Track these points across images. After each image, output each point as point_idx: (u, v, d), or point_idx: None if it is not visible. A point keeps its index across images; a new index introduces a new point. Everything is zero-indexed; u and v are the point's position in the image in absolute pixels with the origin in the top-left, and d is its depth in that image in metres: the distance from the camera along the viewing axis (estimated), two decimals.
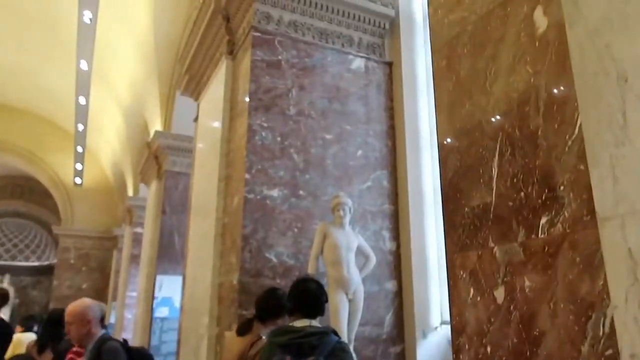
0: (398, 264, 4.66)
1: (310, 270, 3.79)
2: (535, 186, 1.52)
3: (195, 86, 6.51)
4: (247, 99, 4.47)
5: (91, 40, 8.68)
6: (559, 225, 1.46)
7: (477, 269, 1.75)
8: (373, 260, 4.04)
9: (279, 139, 4.47)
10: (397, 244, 4.72)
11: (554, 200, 1.48)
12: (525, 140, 1.57)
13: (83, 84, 10.35)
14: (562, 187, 1.46)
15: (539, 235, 1.53)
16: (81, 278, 17.13)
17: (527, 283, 1.52)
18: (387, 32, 5.35)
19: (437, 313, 4.45)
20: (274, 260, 4.16)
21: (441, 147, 2.02)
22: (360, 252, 4.01)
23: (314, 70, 4.84)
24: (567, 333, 1.41)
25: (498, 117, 1.69)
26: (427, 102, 5.04)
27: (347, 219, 3.91)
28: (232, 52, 5.25)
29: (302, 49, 4.84)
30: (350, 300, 3.75)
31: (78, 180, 16.43)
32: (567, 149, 1.46)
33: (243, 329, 3.17)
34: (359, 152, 4.81)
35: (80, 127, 12.65)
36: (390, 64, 5.28)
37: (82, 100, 11.13)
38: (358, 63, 5.12)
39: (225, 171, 4.86)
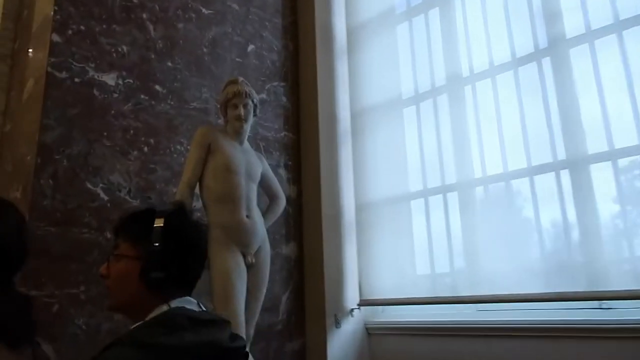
0: (299, 218, 3.13)
1: None
2: None
3: None
4: None
5: None
6: None
7: None
8: (283, 201, 2.44)
9: None
10: (299, 189, 3.18)
11: None
12: None
13: None
14: None
15: None
16: None
17: None
18: None
19: (354, 290, 3.04)
20: (102, 196, 2.27)
21: None
22: (263, 186, 2.38)
23: None
24: None
25: None
26: None
27: (248, 125, 2.24)
28: None
29: None
30: (249, 266, 2.09)
31: None
32: None
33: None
34: (250, 47, 3.13)
35: None
36: None
37: None
38: None
39: (13, 44, 2.72)
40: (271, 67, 3.22)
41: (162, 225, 1.15)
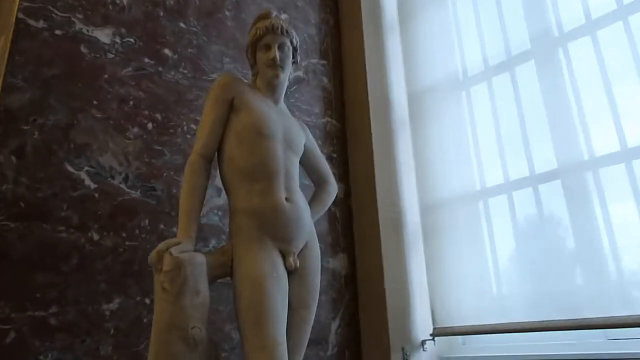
0: (349, 224, 2.46)
1: (188, 193, 1.40)
2: None
3: None
4: None
5: None
6: None
7: None
8: (333, 187, 1.78)
9: None
10: (346, 188, 2.53)
11: None
12: None
13: None
14: None
15: None
16: None
17: None
18: None
19: (425, 316, 2.32)
20: (88, 182, 1.66)
21: None
22: (306, 166, 1.73)
23: None
24: None
25: None
26: None
27: (286, 75, 1.61)
28: None
29: None
30: (291, 273, 1.42)
31: None
32: None
33: None
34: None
35: None
36: None
37: None
38: None
39: None
40: (308, 41, 2.64)
41: None
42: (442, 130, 2.56)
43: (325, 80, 2.64)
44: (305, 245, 1.47)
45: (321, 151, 2.42)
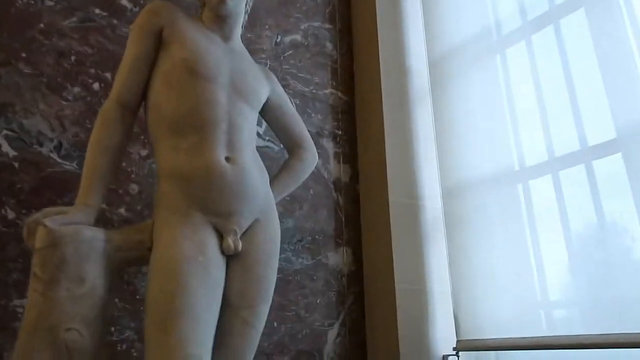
0: (354, 212, 2.04)
1: (93, 150, 1.05)
2: None
3: None
4: None
5: None
6: None
7: None
8: (310, 154, 1.37)
9: None
10: (353, 170, 2.12)
11: None
12: None
13: None
14: None
15: None
16: None
17: None
18: None
19: (446, 325, 1.87)
20: (6, 149, 1.34)
21: None
22: (275, 126, 1.35)
23: None
24: None
25: None
26: None
27: (237, 3, 1.23)
28: None
29: None
30: (232, 259, 1.04)
31: None
32: None
33: None
34: None
35: None
36: None
37: None
38: None
39: None
40: (309, 2, 2.26)
41: None
42: (470, 101, 2.12)
43: (329, 46, 2.25)
44: (256, 223, 1.08)
45: (321, 126, 2.05)
